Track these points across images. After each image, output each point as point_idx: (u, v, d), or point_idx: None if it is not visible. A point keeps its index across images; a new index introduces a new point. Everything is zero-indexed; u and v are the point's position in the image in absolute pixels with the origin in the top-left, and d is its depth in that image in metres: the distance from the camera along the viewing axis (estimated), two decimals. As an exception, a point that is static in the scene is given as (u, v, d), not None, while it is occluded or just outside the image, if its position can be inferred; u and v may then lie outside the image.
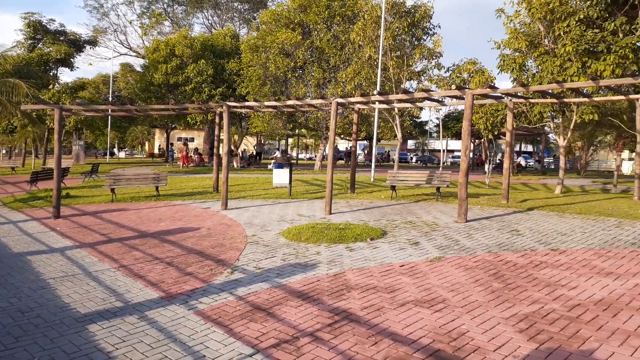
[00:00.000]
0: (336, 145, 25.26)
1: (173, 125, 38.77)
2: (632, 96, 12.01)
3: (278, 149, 41.06)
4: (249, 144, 49.32)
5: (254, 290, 5.15)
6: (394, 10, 19.72)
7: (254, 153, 39.76)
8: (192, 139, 50.93)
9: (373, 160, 21.11)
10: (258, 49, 27.17)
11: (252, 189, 15.66)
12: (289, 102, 13.22)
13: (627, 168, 32.94)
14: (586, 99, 11.71)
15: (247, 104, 13.59)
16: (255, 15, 41.86)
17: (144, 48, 37.91)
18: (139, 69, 39.94)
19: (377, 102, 13.69)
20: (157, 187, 13.79)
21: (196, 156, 31.63)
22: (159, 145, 53.25)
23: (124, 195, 13.90)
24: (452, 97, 11.61)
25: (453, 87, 9.80)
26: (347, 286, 5.23)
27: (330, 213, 10.40)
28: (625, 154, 35.96)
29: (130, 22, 58.44)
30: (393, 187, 13.49)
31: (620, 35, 13.32)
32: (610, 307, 4.50)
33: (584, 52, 13.43)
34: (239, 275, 5.70)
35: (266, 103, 13.72)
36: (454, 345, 3.71)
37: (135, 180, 13.72)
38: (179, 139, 47.56)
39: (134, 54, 43.80)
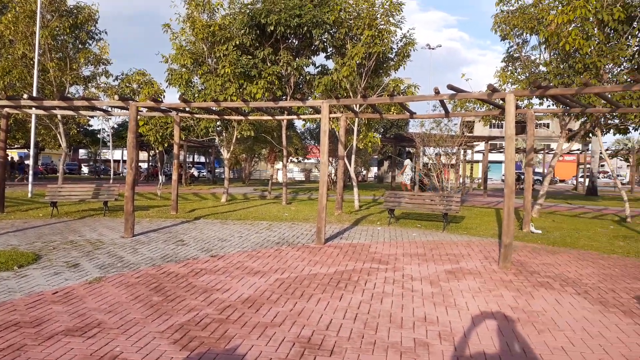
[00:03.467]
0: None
1: None
2: (278, 117, 14.19)
3: None
4: None
5: None
6: (53, 7, 17.62)
7: None
8: None
9: (31, 172, 18.21)
10: None
11: None
12: None
13: (282, 176, 38.84)
14: (242, 117, 13.14)
15: None
16: None
17: None
18: None
19: (33, 108, 11.84)
20: None
21: None
22: None
23: None
24: (116, 107, 11.10)
25: (116, 97, 9.38)
26: (-28, 331, 4.24)
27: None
28: (279, 164, 42.36)
29: None
30: (54, 204, 11.92)
31: (268, 63, 15.58)
32: (255, 303, 5.09)
33: (241, 75, 15.11)
34: None
35: None
36: (103, 374, 3.47)
37: None
38: None
39: None
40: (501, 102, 8.57)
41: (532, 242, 9.25)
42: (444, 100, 9.39)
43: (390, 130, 38.83)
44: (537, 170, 43.78)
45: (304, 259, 7.30)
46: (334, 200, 15.22)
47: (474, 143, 27.56)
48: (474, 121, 49.70)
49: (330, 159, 27.93)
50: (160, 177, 20.81)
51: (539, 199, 13.57)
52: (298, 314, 4.76)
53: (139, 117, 11.25)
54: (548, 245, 8.92)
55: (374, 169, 50.72)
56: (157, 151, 20.38)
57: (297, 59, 16.02)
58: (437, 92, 7.94)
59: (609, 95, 10.54)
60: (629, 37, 12.65)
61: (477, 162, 35.48)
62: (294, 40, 16.44)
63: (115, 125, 38.50)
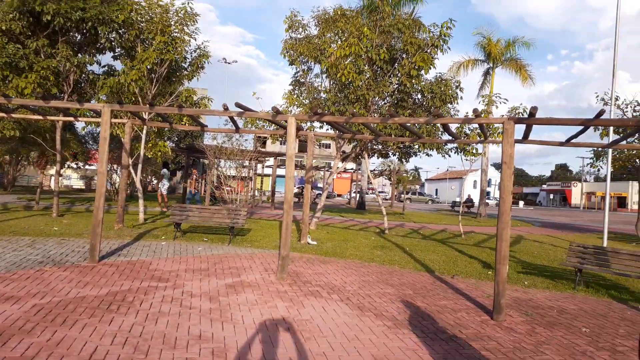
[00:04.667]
0: None
1: None
2: (51, 117, 12.51)
3: None
4: None
5: None
6: None
7: None
8: None
9: None
10: None
11: None
12: None
13: (55, 184, 34.15)
14: (4, 114, 11.21)
15: None
16: None
17: None
18: None
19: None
20: None
21: None
22: None
23: None
24: None
25: None
26: None
27: None
28: (53, 170, 37.25)
29: None
30: None
31: (42, 56, 13.69)
32: (2, 335, 4.37)
33: (5, 65, 12.93)
34: None
35: None
36: None
37: None
38: None
39: None
40: (285, 123, 9.19)
41: (308, 252, 10.11)
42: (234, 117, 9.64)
43: (185, 140, 37.87)
44: (319, 185, 48.11)
45: (71, 280, 6.56)
46: (115, 213, 14.08)
47: (266, 158, 28.86)
48: (267, 137, 51.99)
49: (116, 167, 25.83)
50: None
51: (316, 213, 14.92)
52: (57, 344, 4.26)
53: None
54: (321, 256, 9.86)
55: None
56: None
57: (79, 55, 14.46)
58: (225, 108, 8.10)
59: (373, 125, 12.27)
60: (392, 75, 14.98)
61: (268, 175, 37.18)
62: (77, 35, 14.82)
63: None
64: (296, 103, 15.35)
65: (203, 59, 15.33)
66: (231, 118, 9.39)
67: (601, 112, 6.28)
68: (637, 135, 17.35)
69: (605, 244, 13.22)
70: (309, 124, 15.02)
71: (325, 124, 14.31)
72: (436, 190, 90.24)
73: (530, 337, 5.32)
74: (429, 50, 14.25)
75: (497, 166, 67.45)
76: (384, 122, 7.83)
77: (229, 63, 50.75)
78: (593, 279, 8.90)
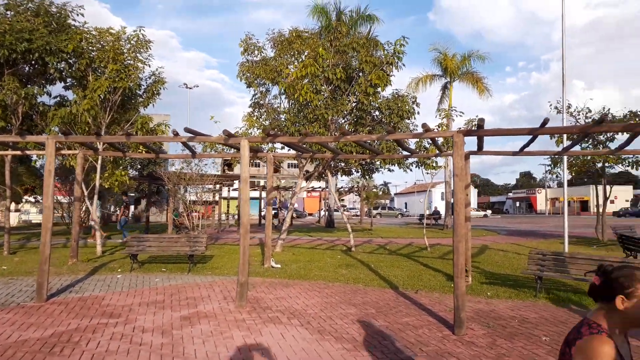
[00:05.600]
0: None
1: None
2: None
3: None
4: None
5: None
6: None
7: None
8: None
9: None
10: None
11: None
12: None
13: (13, 220, 32.81)
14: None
15: None
16: None
17: None
18: None
19: None
20: None
21: None
22: None
23: None
24: None
25: None
26: None
27: None
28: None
29: None
30: None
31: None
32: None
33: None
34: None
35: None
36: None
37: None
38: None
39: None
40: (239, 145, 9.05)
41: (271, 276, 9.89)
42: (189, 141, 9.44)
43: (147, 167, 37.11)
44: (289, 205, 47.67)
45: (14, 323, 6.17)
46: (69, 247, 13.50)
47: (233, 181, 28.52)
48: (231, 161, 51.57)
49: (72, 198, 24.96)
50: None
51: (282, 234, 14.72)
52: (-14, 397, 3.93)
53: None
54: (284, 279, 9.66)
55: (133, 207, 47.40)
56: None
57: (28, 86, 14.01)
58: (175, 134, 7.92)
59: (333, 144, 12.26)
60: (349, 94, 15.08)
61: (234, 199, 36.72)
62: (25, 66, 14.38)
63: None
64: (256, 125, 15.24)
65: (159, 85, 15.11)
66: (184, 143, 9.20)
67: (546, 121, 6.40)
68: (591, 140, 18.05)
69: (566, 249, 13.48)
70: (270, 145, 14.91)
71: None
72: (405, 203, 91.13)
73: (491, 350, 5.27)
74: (384, 68, 14.44)
75: (463, 177, 68.67)
76: (337, 140, 7.79)
77: (189, 88, 50.41)
78: (554, 286, 8.99)
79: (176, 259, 12.09)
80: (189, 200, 16.92)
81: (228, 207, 32.55)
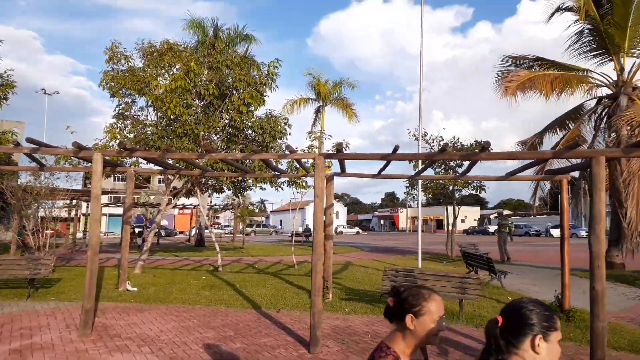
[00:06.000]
0: None
1: None
2: None
3: None
4: None
5: None
6: None
7: None
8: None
9: None
10: None
11: None
12: None
13: None
14: None
15: None
16: None
17: None
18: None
19: None
20: None
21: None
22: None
23: None
24: None
25: None
26: None
27: None
28: None
29: None
30: None
31: None
32: None
33: None
34: None
35: None
36: None
37: None
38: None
39: None
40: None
41: (125, 301, 9.21)
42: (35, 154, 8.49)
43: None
44: (162, 223, 45.23)
45: None
46: None
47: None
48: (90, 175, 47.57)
49: None
50: None
51: (142, 254, 13.85)
52: None
53: None
54: (140, 303, 9.06)
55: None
56: None
57: None
58: (16, 144, 7.10)
59: (201, 161, 11.94)
60: (222, 110, 14.87)
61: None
62: None
63: None
64: (118, 137, 14.25)
65: (7, 90, 13.50)
66: (28, 155, 8.25)
67: (396, 148, 6.94)
68: (443, 165, 20.06)
69: (420, 265, 14.65)
70: (134, 159, 14.03)
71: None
72: (280, 221, 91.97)
73: (341, 366, 5.46)
74: (258, 88, 14.54)
75: (335, 196, 71.76)
76: (201, 158, 7.61)
77: (49, 94, 45.74)
78: (405, 300, 9.67)
79: (14, 283, 10.68)
80: (39, 217, 15.17)
81: (86, 224, 29.80)
